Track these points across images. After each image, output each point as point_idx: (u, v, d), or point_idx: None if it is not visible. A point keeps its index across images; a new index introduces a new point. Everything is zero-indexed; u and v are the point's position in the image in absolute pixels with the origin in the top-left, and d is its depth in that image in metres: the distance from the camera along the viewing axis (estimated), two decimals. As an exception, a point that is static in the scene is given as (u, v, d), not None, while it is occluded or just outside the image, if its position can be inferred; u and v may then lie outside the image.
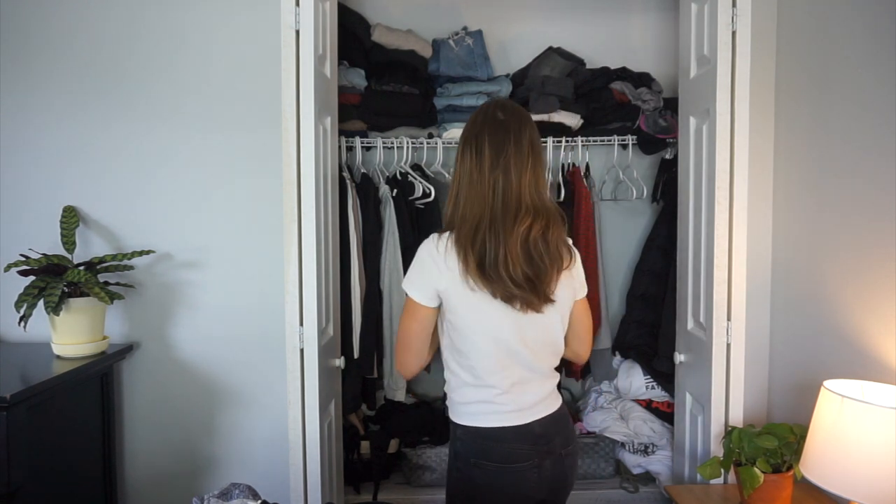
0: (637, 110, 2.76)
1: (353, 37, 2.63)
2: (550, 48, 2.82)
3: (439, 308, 1.40)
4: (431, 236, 1.40)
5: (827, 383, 1.46)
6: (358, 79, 2.65)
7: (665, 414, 2.68)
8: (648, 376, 2.71)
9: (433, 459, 2.65)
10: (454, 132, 2.68)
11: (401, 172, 2.70)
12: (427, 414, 2.77)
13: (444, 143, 2.74)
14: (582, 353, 1.56)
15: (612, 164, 2.86)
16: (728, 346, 1.99)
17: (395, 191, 2.65)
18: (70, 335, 1.92)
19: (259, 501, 1.30)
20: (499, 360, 1.38)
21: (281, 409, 2.05)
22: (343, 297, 2.41)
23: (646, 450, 2.66)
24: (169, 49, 2.09)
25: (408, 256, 2.54)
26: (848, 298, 1.75)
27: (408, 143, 2.71)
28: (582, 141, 2.78)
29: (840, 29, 1.80)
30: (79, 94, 2.08)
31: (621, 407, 2.77)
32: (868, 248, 1.67)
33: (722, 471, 1.89)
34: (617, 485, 2.70)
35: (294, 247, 1.93)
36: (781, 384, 2.09)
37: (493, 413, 1.39)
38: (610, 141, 2.80)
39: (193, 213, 2.12)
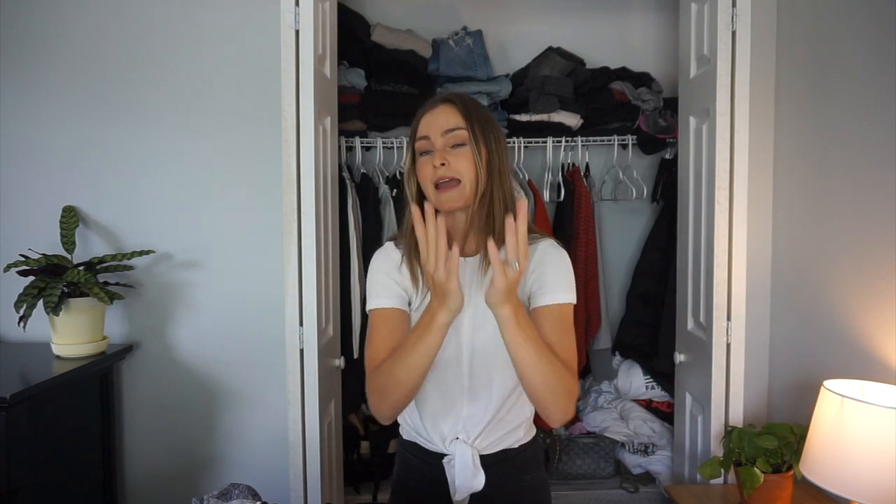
0: (637, 110, 2.76)
1: (352, 37, 2.62)
2: (550, 48, 2.82)
3: None
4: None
5: (827, 383, 1.46)
6: (358, 79, 2.65)
7: (665, 414, 2.68)
8: (648, 376, 2.71)
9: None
10: (454, 132, 2.69)
11: (400, 172, 2.69)
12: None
13: (443, 143, 2.73)
14: None
15: (612, 164, 2.86)
16: (728, 345, 1.99)
17: (395, 191, 2.65)
18: (70, 335, 1.92)
19: (259, 502, 1.30)
20: None
21: (281, 409, 2.04)
22: (343, 297, 2.41)
23: (646, 450, 2.66)
24: (168, 49, 2.08)
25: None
26: (848, 298, 1.75)
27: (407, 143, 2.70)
28: (582, 141, 2.78)
29: (840, 28, 1.80)
30: (78, 94, 2.08)
31: (621, 407, 2.78)
32: (868, 248, 1.67)
33: (722, 471, 1.89)
34: (617, 485, 2.70)
35: (294, 247, 1.93)
36: (781, 384, 2.09)
37: None
38: (610, 141, 2.79)
39: (193, 213, 2.11)
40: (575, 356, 1.19)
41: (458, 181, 1.17)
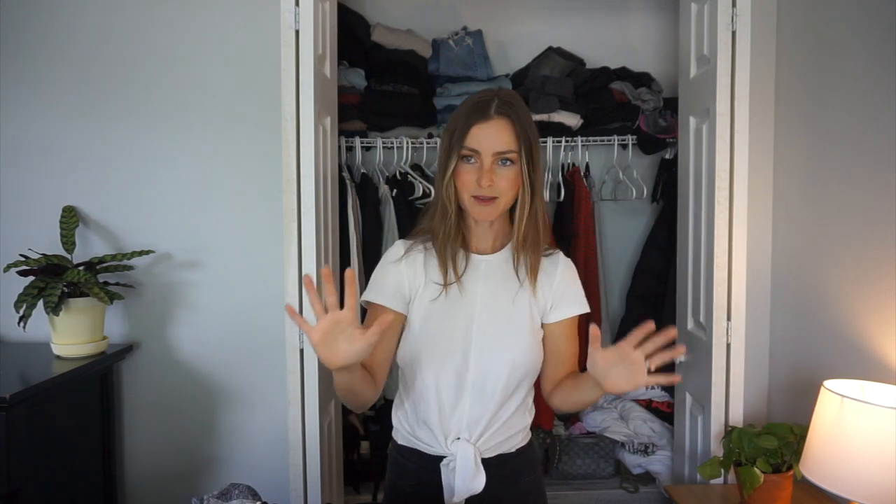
0: (637, 110, 2.76)
1: (352, 37, 2.62)
2: (550, 48, 2.82)
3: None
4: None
5: (827, 383, 1.46)
6: (358, 79, 2.65)
7: (665, 414, 2.68)
8: (648, 376, 2.71)
9: (433, 459, 2.65)
10: (454, 132, 2.69)
11: (400, 172, 2.70)
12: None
13: (443, 143, 2.73)
14: None
15: (612, 164, 2.86)
16: (728, 346, 1.99)
17: (395, 191, 2.64)
18: (70, 335, 1.92)
19: (259, 502, 1.30)
20: None
21: (281, 409, 2.04)
22: (343, 297, 2.41)
23: (646, 450, 2.66)
24: (168, 49, 2.08)
25: (408, 256, 2.54)
26: (848, 298, 1.75)
27: (407, 143, 2.70)
28: (582, 141, 2.78)
29: (840, 28, 1.80)
30: (79, 94, 2.08)
31: (621, 407, 2.78)
32: (869, 248, 1.67)
33: (722, 471, 1.89)
34: (617, 485, 2.70)
35: (294, 247, 1.92)
36: (781, 384, 2.09)
37: None
38: (610, 141, 2.80)
39: (193, 213, 2.11)
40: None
41: (497, 198, 1.20)
